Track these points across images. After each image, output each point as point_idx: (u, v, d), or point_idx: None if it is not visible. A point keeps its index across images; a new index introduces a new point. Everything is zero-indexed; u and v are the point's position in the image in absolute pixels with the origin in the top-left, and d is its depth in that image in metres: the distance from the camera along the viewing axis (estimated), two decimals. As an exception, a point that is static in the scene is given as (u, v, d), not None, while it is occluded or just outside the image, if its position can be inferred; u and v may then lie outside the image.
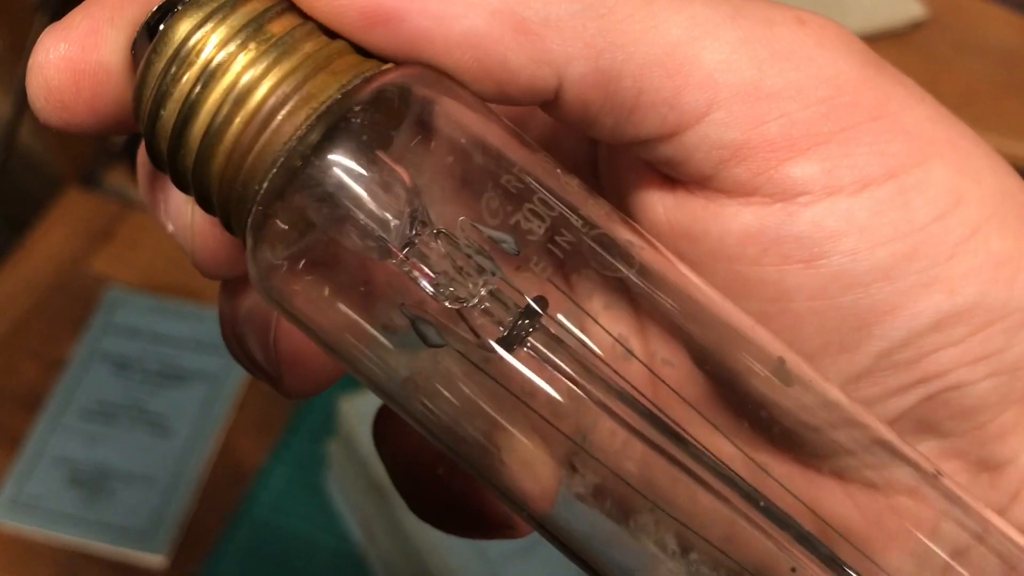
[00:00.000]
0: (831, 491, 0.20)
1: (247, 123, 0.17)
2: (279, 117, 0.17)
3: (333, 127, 0.17)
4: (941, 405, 0.19)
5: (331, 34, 0.18)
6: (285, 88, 0.17)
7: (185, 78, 0.17)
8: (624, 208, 0.21)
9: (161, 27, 0.18)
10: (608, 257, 0.19)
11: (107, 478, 0.70)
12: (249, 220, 0.18)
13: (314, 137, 0.17)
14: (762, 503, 0.18)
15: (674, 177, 0.19)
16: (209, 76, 0.17)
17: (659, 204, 0.19)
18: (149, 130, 0.18)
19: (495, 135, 0.19)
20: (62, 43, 0.19)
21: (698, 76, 0.17)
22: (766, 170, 0.17)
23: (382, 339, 0.19)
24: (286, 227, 0.18)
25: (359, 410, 0.63)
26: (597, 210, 0.19)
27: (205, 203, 0.19)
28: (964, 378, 0.18)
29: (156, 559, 0.66)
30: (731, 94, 0.17)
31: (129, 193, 0.87)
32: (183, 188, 0.19)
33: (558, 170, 0.19)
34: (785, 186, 0.17)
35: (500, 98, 0.18)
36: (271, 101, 0.17)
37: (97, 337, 0.77)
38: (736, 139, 0.17)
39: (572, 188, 0.19)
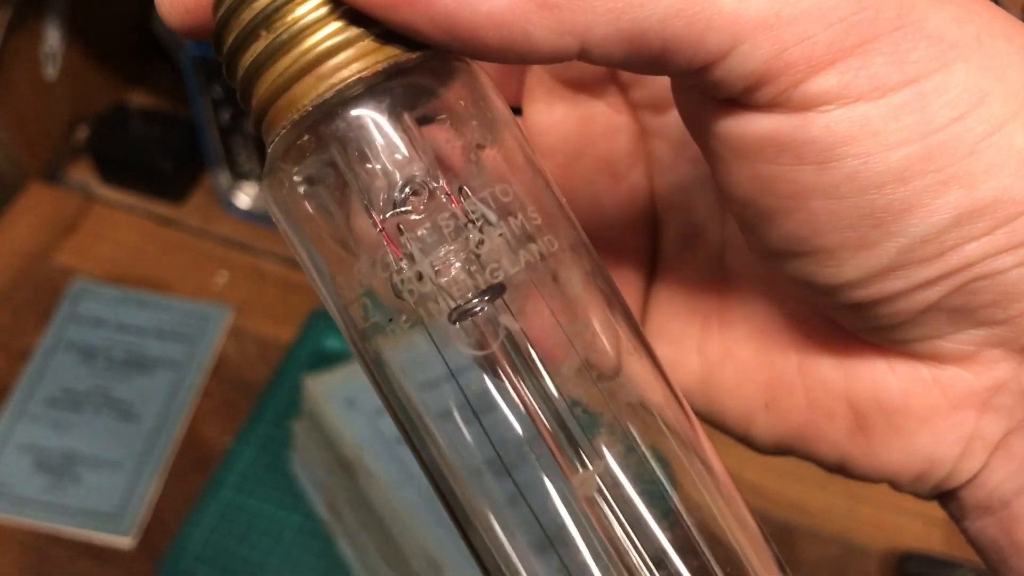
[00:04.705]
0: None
1: (306, 52, 0.20)
2: (339, 57, 0.19)
3: (379, 86, 0.19)
4: (973, 294, 0.19)
5: None
6: (347, 36, 0.19)
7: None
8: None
9: None
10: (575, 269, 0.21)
11: (74, 463, 0.71)
12: (281, 133, 0.20)
13: (358, 88, 0.19)
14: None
15: (703, 95, 0.20)
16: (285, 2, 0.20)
17: (687, 111, 0.21)
18: (221, 26, 0.20)
19: (512, 135, 0.21)
20: None
21: (720, 19, 0.17)
22: (787, 89, 0.18)
23: (351, 267, 0.21)
24: (309, 151, 0.20)
25: (323, 389, 0.65)
26: (570, 221, 0.21)
27: (244, 100, 0.21)
28: (993, 267, 0.19)
29: (123, 541, 0.67)
30: (753, 27, 0.18)
31: (92, 187, 0.88)
32: (231, 79, 0.21)
33: (551, 183, 0.21)
34: (805, 100, 0.18)
35: (521, 63, 0.19)
36: (313, 55, 0.20)
37: (62, 327, 0.78)
38: (759, 67, 0.18)
39: (557, 196, 0.21)
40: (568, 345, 0.21)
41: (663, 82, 0.24)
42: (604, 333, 0.21)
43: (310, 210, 0.21)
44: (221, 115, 0.81)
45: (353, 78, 0.19)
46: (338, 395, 0.64)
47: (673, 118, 0.25)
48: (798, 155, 0.18)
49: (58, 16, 0.85)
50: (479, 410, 0.20)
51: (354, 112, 0.20)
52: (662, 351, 0.25)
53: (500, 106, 0.21)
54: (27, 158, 0.87)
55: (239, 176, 0.86)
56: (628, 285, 0.26)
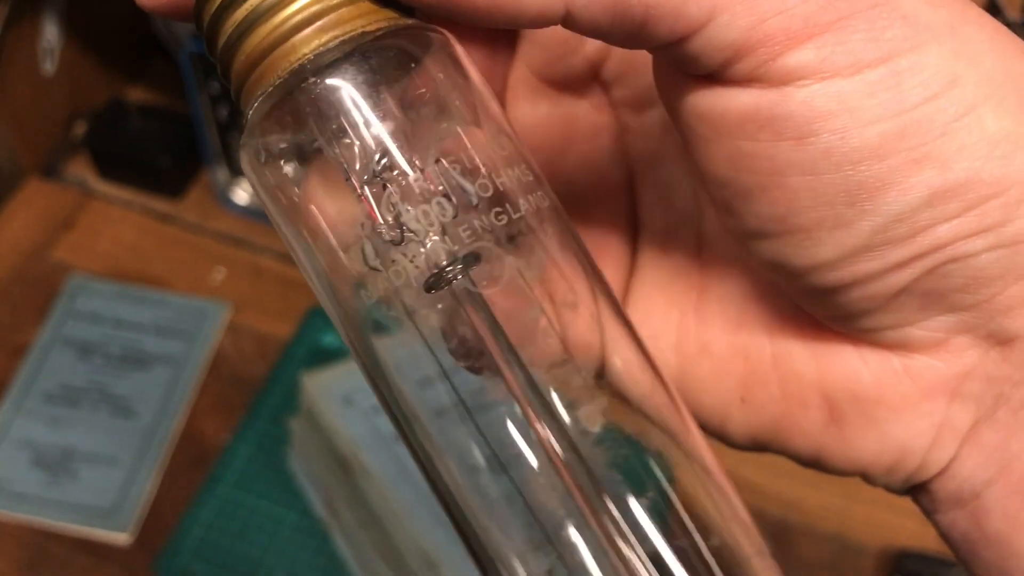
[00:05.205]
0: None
1: (283, 22, 0.20)
2: (311, 28, 0.20)
3: (352, 54, 0.20)
4: (943, 278, 0.19)
5: None
6: (321, 6, 0.20)
7: None
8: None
9: None
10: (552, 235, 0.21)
11: (71, 459, 0.71)
12: (259, 101, 0.20)
13: (332, 56, 0.20)
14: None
15: (683, 72, 0.20)
16: None
17: (667, 92, 0.21)
18: (200, 6, 0.21)
19: (488, 109, 0.21)
20: None
21: None
22: (766, 62, 0.18)
23: (332, 242, 0.21)
24: (287, 118, 0.20)
25: (321, 386, 0.65)
26: (546, 194, 0.22)
27: (224, 70, 0.21)
28: (963, 250, 0.19)
29: (121, 537, 0.67)
30: None
31: (89, 183, 0.88)
32: (211, 51, 0.21)
33: (526, 153, 0.22)
34: (783, 74, 0.18)
35: (510, 26, 0.20)
36: (309, 11, 0.20)
37: (59, 323, 0.78)
38: (738, 39, 0.18)
39: (534, 169, 0.22)
40: (543, 316, 0.21)
41: (644, 80, 0.24)
42: (583, 306, 0.22)
43: (289, 180, 0.21)
44: (219, 111, 0.81)
45: (333, 44, 0.20)
46: (335, 392, 0.64)
47: (654, 117, 0.25)
48: (776, 131, 0.19)
49: (56, 11, 0.85)
50: (454, 378, 0.21)
51: (331, 80, 0.20)
52: None
53: (477, 78, 0.22)
54: (24, 153, 0.87)
55: (237, 172, 0.86)
56: (608, 282, 0.26)
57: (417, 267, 0.20)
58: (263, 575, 0.65)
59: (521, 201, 0.21)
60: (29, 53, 0.84)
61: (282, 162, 0.21)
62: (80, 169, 0.89)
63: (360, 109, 0.20)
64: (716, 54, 0.19)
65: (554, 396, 0.21)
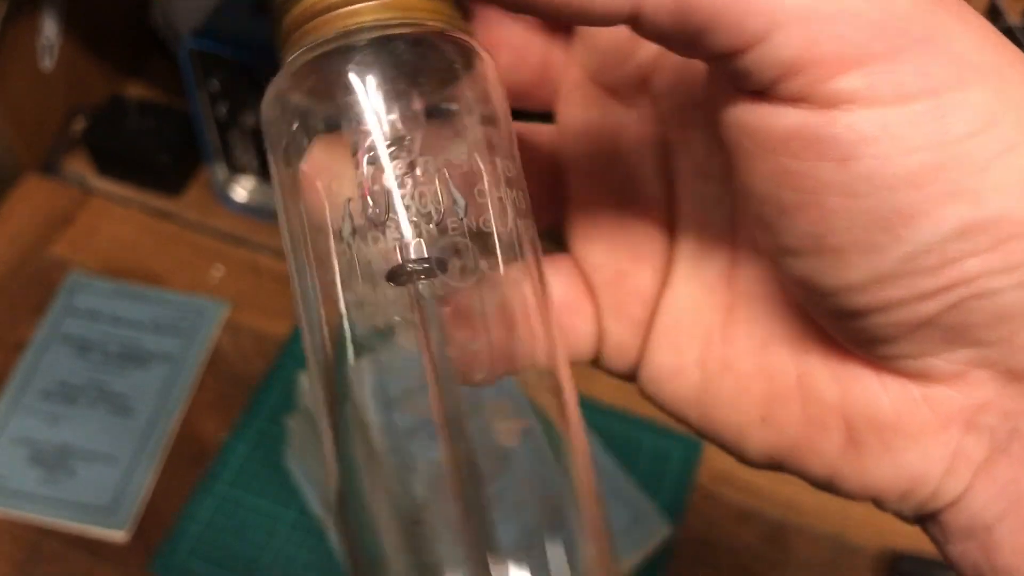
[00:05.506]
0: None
1: None
2: (378, 1, 0.20)
3: (406, 37, 0.20)
4: (968, 313, 0.20)
5: None
6: None
7: None
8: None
9: None
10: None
11: (68, 457, 0.71)
12: (299, 53, 0.21)
13: (389, 31, 0.20)
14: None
15: (735, 87, 0.21)
16: None
17: (717, 104, 0.22)
18: None
19: (505, 133, 0.22)
20: None
21: (760, 4, 0.19)
22: (816, 83, 0.19)
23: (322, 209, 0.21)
24: (317, 75, 0.21)
25: (318, 385, 0.65)
26: (532, 226, 0.22)
27: (278, 20, 0.22)
28: (989, 286, 0.19)
29: (118, 534, 0.67)
30: (790, 17, 0.19)
31: (88, 180, 0.88)
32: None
33: (524, 183, 0.23)
34: (830, 96, 0.19)
35: (577, 22, 0.21)
36: None
37: (58, 320, 0.78)
38: (791, 57, 0.19)
39: (527, 200, 0.22)
40: (488, 337, 0.22)
41: (691, 96, 0.25)
42: (531, 336, 0.22)
43: (298, 135, 0.21)
44: (218, 109, 0.80)
45: (394, 22, 0.20)
46: (333, 391, 0.64)
47: (698, 134, 0.25)
48: (820, 151, 0.19)
49: (55, 8, 0.84)
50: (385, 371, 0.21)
51: (378, 52, 0.20)
52: (665, 361, 0.26)
53: (503, 101, 0.23)
54: (23, 150, 0.87)
55: (236, 170, 0.85)
56: (641, 293, 0.26)
57: (386, 252, 0.20)
58: (260, 573, 0.65)
59: (510, 221, 0.21)
60: (28, 49, 0.84)
61: (297, 120, 0.21)
62: (79, 166, 0.89)
63: (391, 90, 0.20)
64: (768, 71, 0.19)
65: (473, 413, 0.21)
